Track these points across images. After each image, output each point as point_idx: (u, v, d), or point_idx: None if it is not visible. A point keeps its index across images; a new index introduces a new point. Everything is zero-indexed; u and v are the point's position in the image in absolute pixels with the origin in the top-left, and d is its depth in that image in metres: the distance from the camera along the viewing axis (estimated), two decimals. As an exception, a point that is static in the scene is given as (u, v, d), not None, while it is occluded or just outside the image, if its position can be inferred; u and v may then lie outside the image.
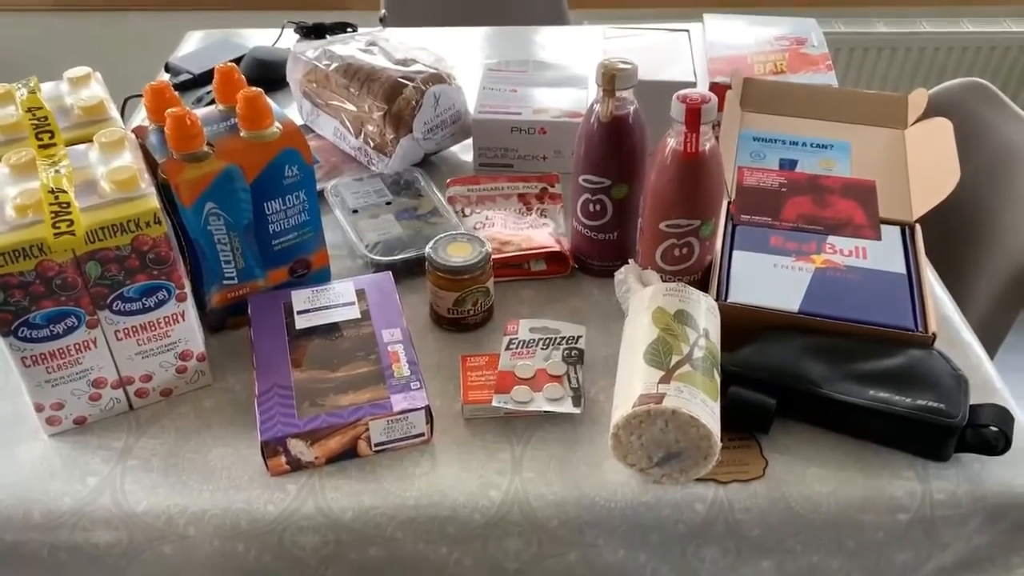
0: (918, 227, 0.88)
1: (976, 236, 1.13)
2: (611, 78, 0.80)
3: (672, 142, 0.78)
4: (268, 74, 1.26)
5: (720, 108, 0.98)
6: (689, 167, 0.77)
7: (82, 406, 0.75)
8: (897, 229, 0.88)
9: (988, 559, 0.73)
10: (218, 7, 2.08)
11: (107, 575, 0.71)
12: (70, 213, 0.67)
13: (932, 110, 1.00)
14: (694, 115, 0.75)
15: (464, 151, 1.12)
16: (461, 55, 1.37)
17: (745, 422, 0.74)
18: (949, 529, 0.71)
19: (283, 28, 1.40)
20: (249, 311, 0.80)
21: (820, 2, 2.09)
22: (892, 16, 2.10)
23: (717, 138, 0.80)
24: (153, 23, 2.11)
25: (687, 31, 1.17)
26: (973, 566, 0.74)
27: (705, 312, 0.74)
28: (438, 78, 1.04)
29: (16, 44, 2.15)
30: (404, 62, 1.07)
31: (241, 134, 0.77)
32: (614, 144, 0.84)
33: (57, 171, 0.71)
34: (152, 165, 0.76)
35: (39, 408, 0.73)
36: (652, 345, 0.71)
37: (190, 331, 0.76)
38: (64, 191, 0.68)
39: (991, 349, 1.01)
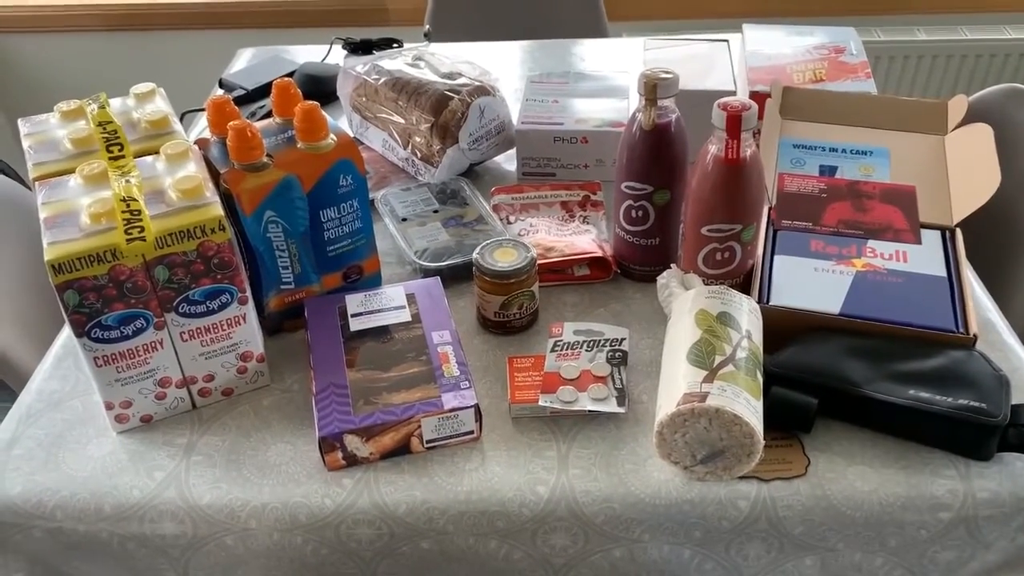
0: (959, 231, 0.89)
1: (1018, 242, 1.13)
2: (653, 87, 0.82)
3: (713, 149, 0.80)
4: (318, 89, 1.30)
5: (760, 116, 1.00)
6: (730, 173, 0.79)
7: (149, 405, 0.78)
8: (937, 233, 0.89)
9: (1033, 559, 0.74)
10: (268, 25, 2.15)
11: (172, 565, 0.75)
12: (141, 220, 0.71)
13: (972, 116, 1.00)
14: (735, 122, 0.77)
15: (508, 161, 1.15)
16: (504, 68, 1.41)
17: (787, 421, 0.75)
18: (992, 528, 0.72)
19: (331, 44, 1.45)
20: (306, 314, 0.84)
21: (859, 11, 2.10)
22: (932, 24, 2.10)
23: (758, 145, 0.82)
24: (206, 41, 2.18)
25: (727, 41, 1.19)
26: (1017, 566, 0.74)
27: (747, 314, 0.76)
28: (483, 90, 1.07)
29: (80, 62, 2.23)
30: (450, 75, 1.10)
31: (298, 145, 0.81)
32: (656, 151, 0.86)
33: (128, 181, 0.75)
34: (214, 175, 0.79)
35: (109, 406, 0.77)
36: (695, 346, 0.73)
37: (251, 333, 0.79)
38: (135, 199, 0.72)
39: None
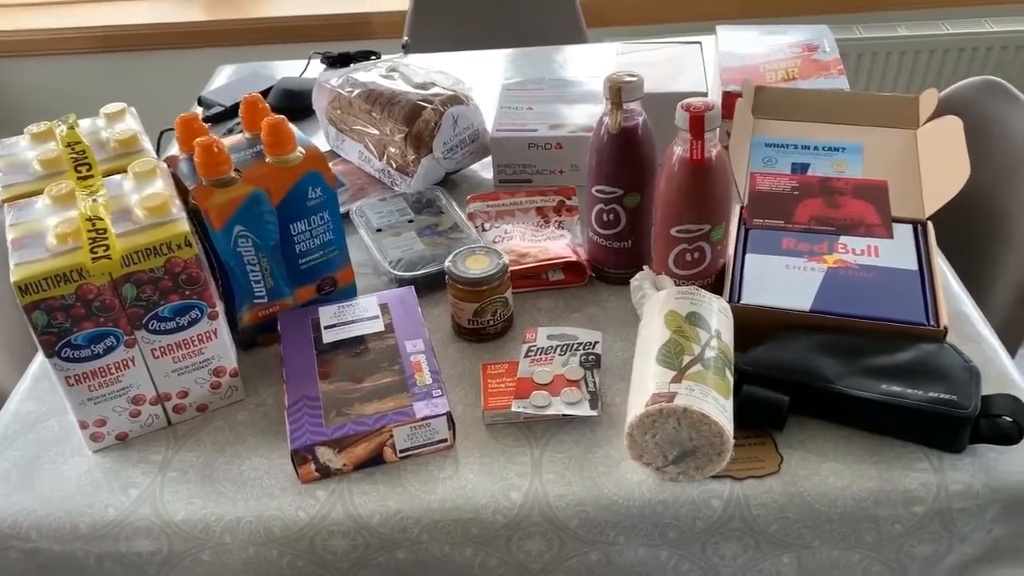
0: (930, 224, 0.89)
1: (994, 235, 1.13)
2: (618, 91, 0.83)
3: (679, 150, 0.80)
4: (296, 103, 1.31)
5: (729, 116, 1.00)
6: (696, 173, 0.80)
7: (123, 422, 0.78)
8: (909, 227, 0.89)
9: (1012, 551, 0.73)
10: (251, 42, 2.15)
11: (150, 582, 0.75)
12: (107, 239, 0.71)
13: (946, 110, 1.00)
14: (698, 122, 0.77)
15: (485, 169, 1.16)
16: (483, 77, 1.41)
17: (760, 419, 0.75)
18: (967, 520, 0.71)
19: (310, 59, 1.45)
20: (279, 328, 0.84)
21: (840, 9, 2.10)
22: (913, 19, 2.10)
23: (725, 146, 0.82)
24: (186, 60, 2.19)
25: (699, 43, 1.20)
26: (996, 559, 0.74)
27: (717, 313, 0.76)
28: (456, 99, 1.08)
29: (62, 84, 2.24)
30: (423, 85, 1.11)
31: (266, 159, 0.81)
32: (624, 155, 0.86)
33: (95, 200, 0.75)
34: (183, 192, 0.80)
35: (83, 425, 0.77)
36: (664, 347, 0.73)
37: (223, 348, 0.79)
38: (101, 219, 0.73)
39: (1012, 346, 1.01)
